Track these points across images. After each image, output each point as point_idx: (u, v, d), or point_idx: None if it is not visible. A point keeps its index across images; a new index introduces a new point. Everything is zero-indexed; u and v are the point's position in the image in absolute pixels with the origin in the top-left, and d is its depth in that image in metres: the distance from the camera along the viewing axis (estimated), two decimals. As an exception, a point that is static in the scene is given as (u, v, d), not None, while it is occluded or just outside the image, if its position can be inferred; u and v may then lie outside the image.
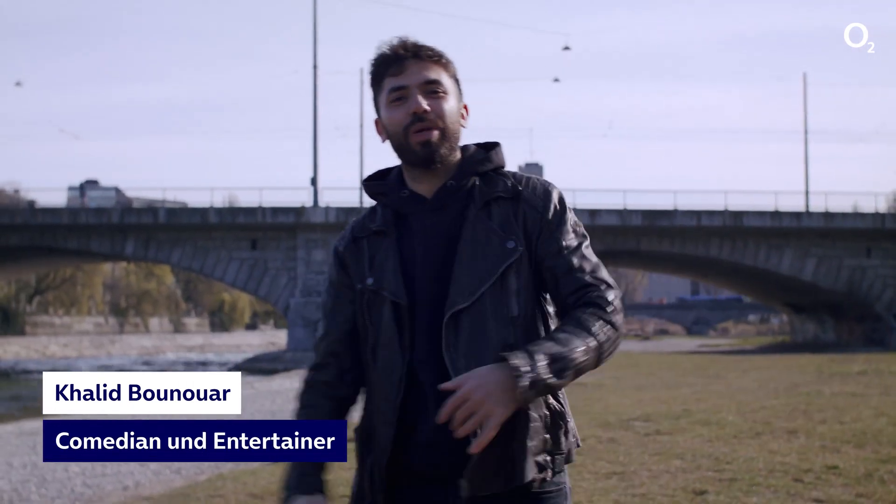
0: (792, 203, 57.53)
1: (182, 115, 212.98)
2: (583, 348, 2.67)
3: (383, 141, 2.94)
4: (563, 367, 2.63)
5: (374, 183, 3.00)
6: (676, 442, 11.95)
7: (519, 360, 2.57)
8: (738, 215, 51.98)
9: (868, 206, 57.98)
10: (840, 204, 58.12)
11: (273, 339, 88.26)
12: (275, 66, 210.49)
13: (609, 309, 2.76)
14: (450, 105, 2.87)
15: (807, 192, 58.87)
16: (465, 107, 2.97)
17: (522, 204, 2.85)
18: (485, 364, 2.63)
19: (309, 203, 51.29)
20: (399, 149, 2.88)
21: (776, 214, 52.44)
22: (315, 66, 53.67)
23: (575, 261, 2.82)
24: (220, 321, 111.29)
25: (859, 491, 8.80)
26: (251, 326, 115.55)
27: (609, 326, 2.74)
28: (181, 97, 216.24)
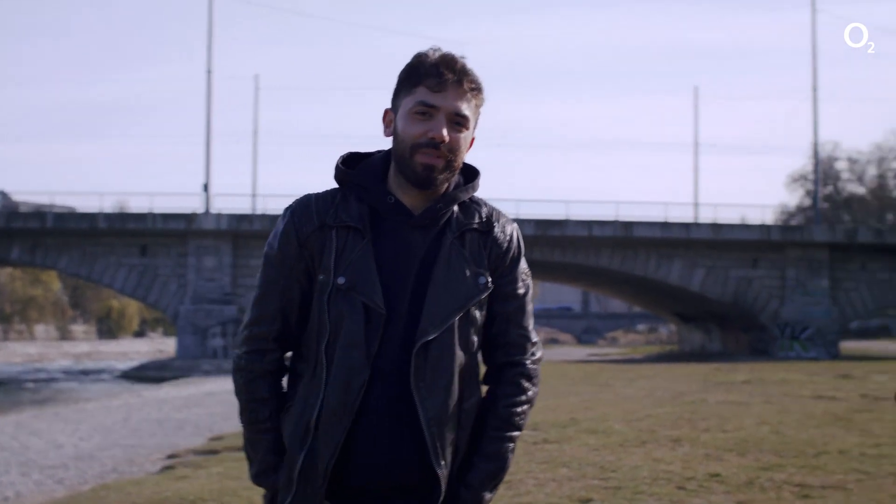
0: (681, 214, 58.45)
1: (71, 118, 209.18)
2: (512, 451, 2.99)
3: (387, 135, 2.93)
4: (499, 482, 2.97)
5: (354, 173, 2.95)
6: (563, 450, 12.07)
7: None
8: (629, 226, 52.65)
9: (755, 218, 59.07)
10: (728, 216, 59.26)
11: (162, 346, 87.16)
12: (168, 70, 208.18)
13: (535, 382, 3.03)
14: (465, 139, 2.90)
15: (696, 204, 59.99)
16: (473, 138, 2.99)
17: (491, 240, 2.96)
18: (448, 395, 2.84)
19: (200, 209, 50.85)
20: (401, 160, 2.87)
21: (666, 225, 53.22)
22: (209, 71, 53.25)
23: (517, 314, 3.01)
24: (108, 328, 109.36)
25: (740, 498, 8.98)
26: (139, 334, 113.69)
27: (529, 405, 3.02)
28: (71, 101, 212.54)
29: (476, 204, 2.99)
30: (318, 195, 2.94)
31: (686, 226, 53.62)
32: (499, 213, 3.01)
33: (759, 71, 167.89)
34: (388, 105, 2.95)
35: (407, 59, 2.90)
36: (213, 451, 13.91)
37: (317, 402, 2.84)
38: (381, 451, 2.83)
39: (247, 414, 2.96)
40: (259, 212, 52.63)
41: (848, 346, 60.25)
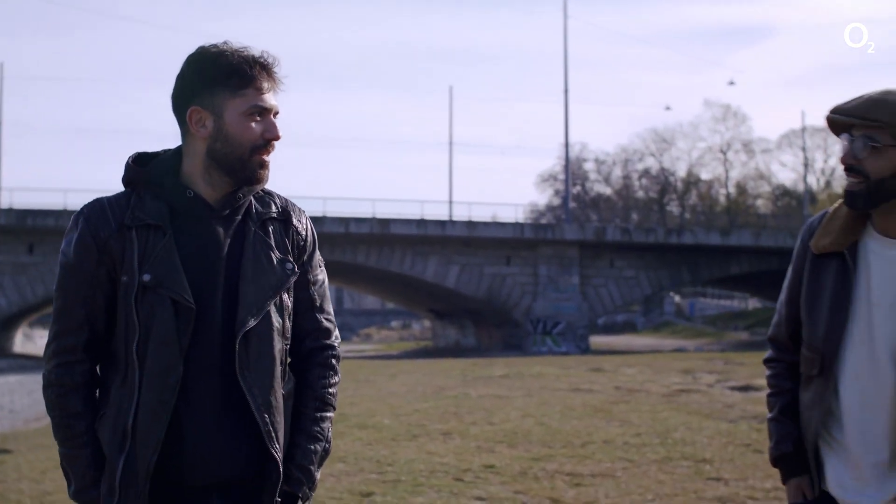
0: (437, 212, 59.34)
1: None
2: (330, 428, 3.10)
3: (202, 135, 2.91)
4: (325, 459, 3.09)
5: (148, 170, 2.94)
6: (336, 445, 12.04)
7: (303, 489, 2.98)
8: (386, 223, 53.02)
9: (507, 216, 60.50)
10: (481, 214, 60.55)
11: None
12: None
13: (338, 366, 3.16)
14: None
15: (451, 202, 60.92)
16: None
17: (292, 229, 3.05)
18: (273, 380, 2.91)
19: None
20: (234, 161, 2.90)
21: (422, 223, 53.84)
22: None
23: (318, 299, 3.11)
24: None
25: (517, 488, 9.18)
26: None
27: (338, 384, 3.17)
28: None
29: (269, 195, 3.06)
30: (110, 199, 2.93)
31: (442, 223, 54.39)
32: (292, 203, 3.10)
33: (513, 73, 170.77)
34: (175, 99, 2.95)
35: (173, 53, 2.95)
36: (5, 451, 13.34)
37: (131, 406, 2.82)
38: (214, 445, 2.84)
39: (62, 430, 2.91)
40: (5, 206, 50.70)
41: (596, 340, 62.34)
